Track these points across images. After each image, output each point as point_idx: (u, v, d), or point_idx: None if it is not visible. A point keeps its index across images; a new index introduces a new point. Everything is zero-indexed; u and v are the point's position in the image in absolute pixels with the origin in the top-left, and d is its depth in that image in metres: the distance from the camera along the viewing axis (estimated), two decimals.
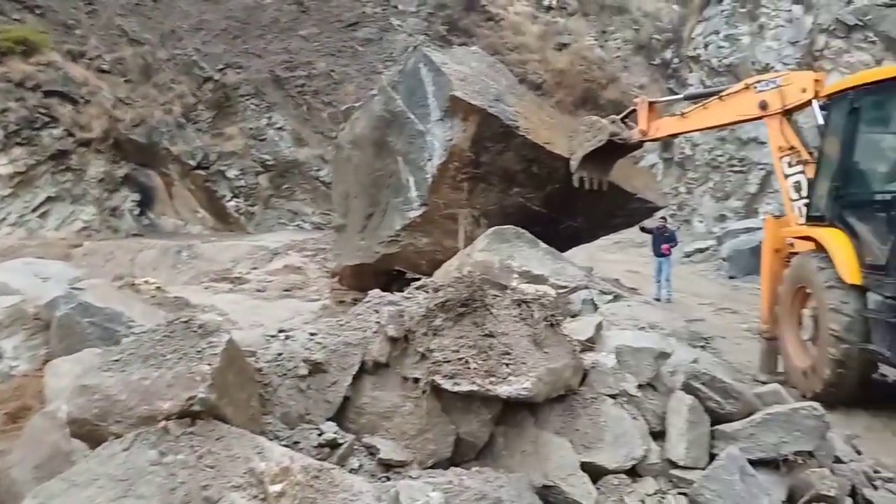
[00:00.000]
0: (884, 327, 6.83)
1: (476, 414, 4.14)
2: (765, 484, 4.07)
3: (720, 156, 22.44)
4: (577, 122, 10.59)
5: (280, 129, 27.89)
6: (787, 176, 8.43)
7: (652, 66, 29.80)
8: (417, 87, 9.99)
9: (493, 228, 8.17)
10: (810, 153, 8.32)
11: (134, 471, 3.10)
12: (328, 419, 4.09)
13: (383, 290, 5.20)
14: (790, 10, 20.44)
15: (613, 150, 9.93)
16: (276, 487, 3.11)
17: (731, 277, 16.59)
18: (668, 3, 29.44)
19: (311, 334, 4.52)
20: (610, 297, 7.72)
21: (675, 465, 4.30)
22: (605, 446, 4.26)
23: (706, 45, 23.67)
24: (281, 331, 4.76)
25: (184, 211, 27.13)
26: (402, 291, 5.11)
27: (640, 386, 4.67)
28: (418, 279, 5.29)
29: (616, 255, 18.94)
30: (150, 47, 27.25)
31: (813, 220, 7.96)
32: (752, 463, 4.15)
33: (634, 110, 10.13)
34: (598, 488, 4.08)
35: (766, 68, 19.96)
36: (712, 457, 4.30)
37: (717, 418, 4.49)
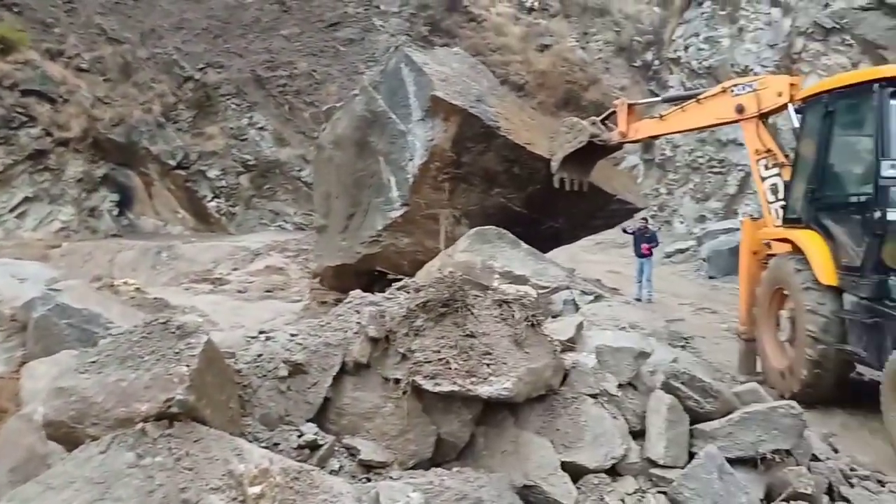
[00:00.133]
0: (859, 328, 6.92)
1: (457, 414, 4.15)
2: (743, 482, 4.11)
3: (700, 157, 22.63)
4: (558, 123, 10.64)
5: (261, 128, 27.74)
6: (763, 178, 8.53)
7: (633, 67, 29.98)
8: (399, 88, 9.99)
9: (475, 229, 8.18)
10: (786, 156, 8.43)
11: (111, 473, 3.07)
12: (308, 420, 4.08)
13: (365, 291, 5.20)
14: (769, 13, 20.66)
15: (593, 152, 9.99)
16: (256, 489, 3.10)
17: (710, 277, 16.73)
18: (649, 6, 29.63)
19: (292, 335, 4.51)
20: (591, 297, 7.75)
21: (654, 463, 4.33)
22: (585, 446, 4.28)
23: (686, 48, 23.86)
24: (261, 332, 4.74)
25: (164, 211, 26.91)
26: (384, 292, 5.11)
27: (620, 385, 4.70)
28: (400, 280, 5.29)
29: (597, 255, 19.03)
30: (130, 46, 27.00)
31: (789, 222, 8.04)
32: (731, 461, 4.19)
33: (614, 112, 10.19)
34: (578, 488, 4.10)
35: (746, 70, 20.16)
36: (692, 455, 4.33)
37: (696, 417, 4.52)
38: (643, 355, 4.88)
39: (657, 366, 4.94)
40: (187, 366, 3.31)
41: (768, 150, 8.45)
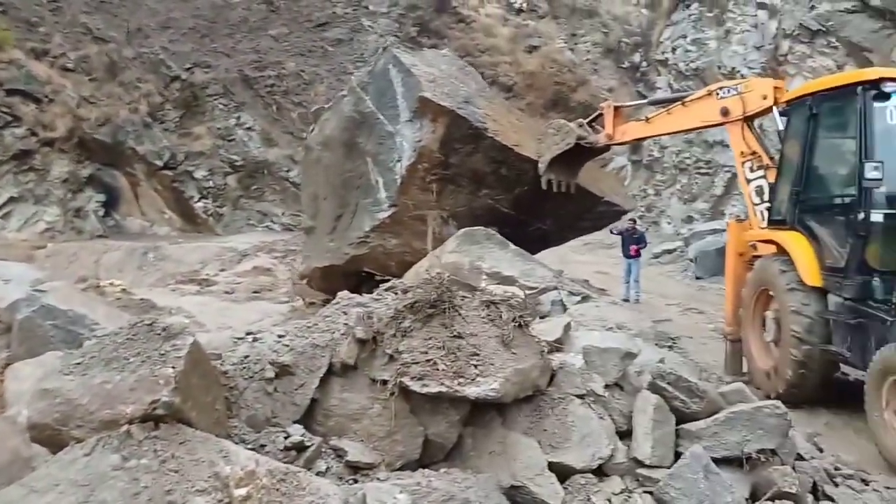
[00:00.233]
0: (843, 328, 6.98)
1: (444, 415, 4.15)
2: (728, 482, 4.13)
3: (687, 158, 22.76)
4: (546, 125, 10.69)
5: (249, 129, 27.61)
6: (749, 181, 8.61)
7: (621, 69, 30.04)
8: (387, 89, 10.00)
9: (463, 230, 8.21)
10: (771, 158, 8.51)
11: (96, 476, 3.05)
12: (295, 422, 4.06)
13: (353, 292, 5.19)
14: (755, 16, 20.80)
15: (581, 154, 10.04)
16: (242, 491, 3.09)
17: (697, 278, 16.82)
18: (637, 8, 29.73)
19: (279, 336, 4.50)
20: (579, 298, 7.79)
21: (641, 463, 4.34)
22: (572, 446, 4.29)
23: (674, 49, 23.99)
24: (249, 333, 4.73)
25: (150, 212, 26.73)
26: (372, 293, 5.11)
27: (607, 386, 4.71)
28: (388, 281, 5.29)
29: (586, 256, 19.09)
30: (116, 45, 26.80)
31: (775, 223, 8.11)
32: (716, 461, 4.21)
33: (601, 114, 10.24)
34: (565, 488, 4.11)
35: (733, 72, 20.30)
36: (678, 455, 4.34)
37: (682, 417, 4.55)
38: (630, 356, 4.90)
39: (644, 366, 4.96)
40: (173, 367, 3.30)
41: (753, 153, 8.54)
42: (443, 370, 4.03)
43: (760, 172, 8.50)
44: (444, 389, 3.97)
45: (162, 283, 17.88)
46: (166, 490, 3.03)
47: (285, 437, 3.89)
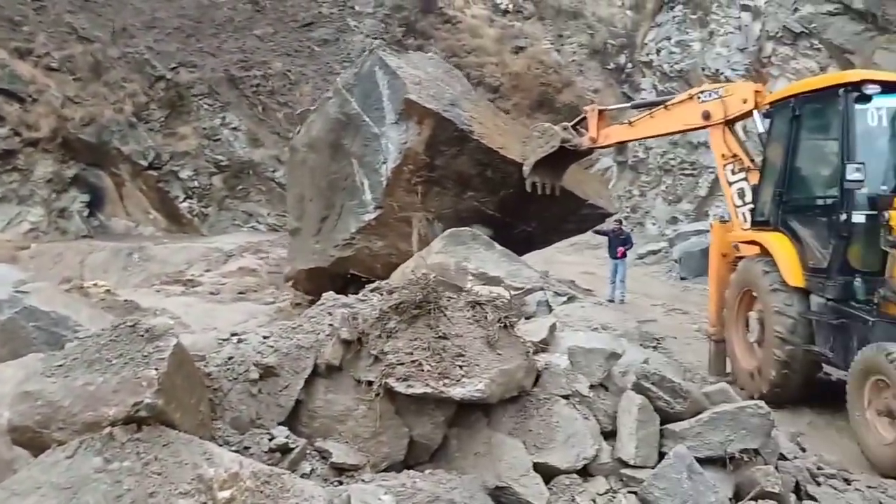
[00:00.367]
0: (826, 329, 7.04)
1: (430, 416, 4.14)
2: (712, 482, 4.15)
3: (672, 159, 22.89)
4: (530, 128, 10.74)
5: (235, 129, 27.48)
6: (730, 183, 8.71)
7: (606, 70, 30.19)
8: (373, 91, 10.00)
9: (449, 230, 8.21)
10: (752, 160, 8.60)
11: (78, 478, 3.02)
12: (280, 423, 4.05)
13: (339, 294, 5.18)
14: (739, 18, 20.95)
15: (565, 156, 10.10)
16: (225, 494, 3.07)
17: (682, 278, 16.92)
18: (622, 9, 29.88)
19: (264, 337, 4.48)
20: (564, 298, 7.82)
21: (625, 464, 4.35)
22: (557, 446, 4.29)
23: (658, 51, 24.13)
24: (233, 334, 4.70)
25: (135, 212, 26.54)
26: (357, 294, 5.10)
27: (591, 386, 4.72)
28: (373, 282, 5.29)
29: (572, 256, 19.16)
30: (101, 45, 26.60)
31: (758, 224, 8.17)
32: (700, 461, 4.22)
33: (585, 118, 10.31)
34: (550, 488, 4.11)
35: (717, 74, 20.45)
36: (662, 455, 4.36)
37: (666, 417, 4.56)
38: (614, 356, 4.91)
39: (629, 366, 4.98)
40: (156, 369, 3.27)
41: (734, 156, 8.64)
42: (428, 371, 4.03)
43: (742, 175, 8.60)
44: (429, 390, 3.97)
45: (147, 283, 17.75)
46: (149, 493, 3.00)
47: (270, 439, 3.87)
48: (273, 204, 26.61)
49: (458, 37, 30.66)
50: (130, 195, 26.47)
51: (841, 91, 7.13)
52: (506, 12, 32.69)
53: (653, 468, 4.25)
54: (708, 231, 12.99)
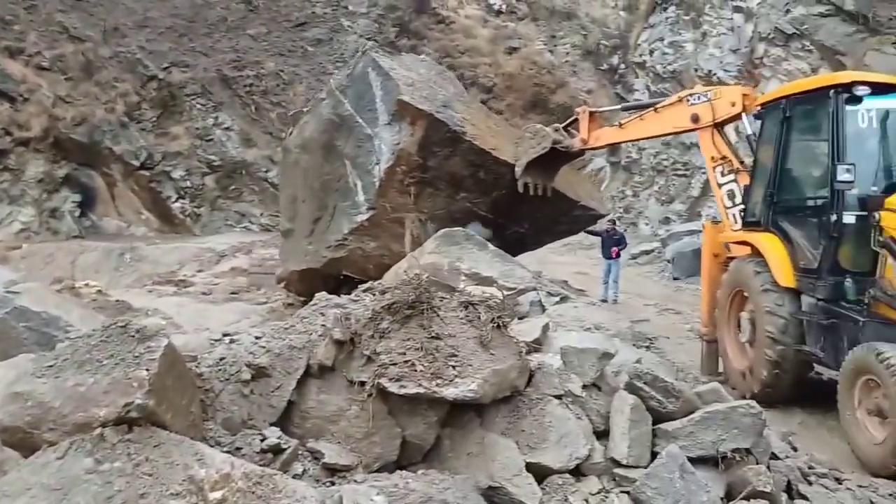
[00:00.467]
0: (816, 329, 7.07)
1: (422, 416, 4.14)
2: (703, 481, 4.16)
3: (665, 160, 22.95)
4: (523, 129, 10.77)
5: (227, 129, 27.41)
6: (720, 185, 8.77)
7: (599, 71, 30.25)
8: (366, 92, 10.01)
9: (442, 231, 8.21)
10: (741, 162, 8.65)
11: (68, 479, 3.01)
12: (272, 424, 4.03)
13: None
14: (731, 19, 21.02)
15: (557, 158, 10.14)
16: (217, 494, 3.06)
17: (675, 279, 16.97)
18: (615, 10, 29.95)
19: (256, 338, 4.46)
20: (557, 298, 7.83)
21: (618, 463, 4.36)
22: (549, 446, 4.29)
23: (651, 52, 24.19)
24: (225, 334, 4.69)
25: (127, 212, 26.45)
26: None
27: (584, 386, 4.72)
28: (366, 283, 5.28)
29: (565, 256, 19.18)
30: (93, 44, 26.49)
31: (749, 225, 8.20)
32: (692, 460, 4.23)
33: (577, 119, 10.34)
34: (542, 488, 4.11)
35: (709, 75, 20.50)
36: (654, 455, 4.37)
37: (658, 417, 4.56)
38: (607, 356, 4.92)
39: (621, 366, 4.98)
40: (147, 370, 3.26)
41: (724, 157, 8.70)
42: (421, 371, 4.03)
43: (731, 176, 8.66)
44: (421, 390, 3.97)
45: (139, 284, 17.71)
46: (140, 493, 2.99)
47: (262, 440, 3.86)
48: (266, 204, 26.56)
49: (452, 37, 30.67)
50: (122, 195, 26.38)
51: (832, 92, 7.16)
52: (499, 13, 32.73)
53: (645, 468, 4.25)
54: (700, 231, 13.04)
